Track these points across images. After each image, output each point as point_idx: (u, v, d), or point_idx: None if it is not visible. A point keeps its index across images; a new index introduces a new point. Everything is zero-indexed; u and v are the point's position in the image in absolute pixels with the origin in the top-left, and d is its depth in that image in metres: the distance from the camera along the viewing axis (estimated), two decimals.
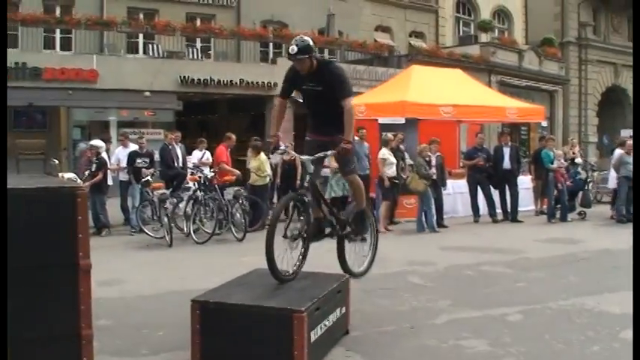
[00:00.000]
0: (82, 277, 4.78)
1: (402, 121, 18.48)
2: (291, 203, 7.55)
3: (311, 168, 7.39)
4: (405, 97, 19.31)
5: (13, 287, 4.58)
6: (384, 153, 16.52)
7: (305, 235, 7.41)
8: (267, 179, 16.71)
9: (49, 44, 27.97)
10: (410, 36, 39.20)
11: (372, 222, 8.86)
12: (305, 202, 7.35)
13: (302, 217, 7.40)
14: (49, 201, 4.75)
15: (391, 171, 16.46)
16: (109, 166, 16.86)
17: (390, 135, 16.97)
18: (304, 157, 7.44)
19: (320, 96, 7.34)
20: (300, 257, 7.34)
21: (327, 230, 7.96)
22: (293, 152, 8.23)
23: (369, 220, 8.74)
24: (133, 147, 17.56)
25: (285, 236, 7.19)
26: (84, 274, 4.79)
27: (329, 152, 7.35)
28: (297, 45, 7.22)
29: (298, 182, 8.37)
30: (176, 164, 17.79)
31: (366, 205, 8.47)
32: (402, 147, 17.46)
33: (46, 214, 4.69)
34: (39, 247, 4.66)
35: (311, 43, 7.29)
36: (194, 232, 14.69)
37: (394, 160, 16.59)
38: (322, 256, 7.98)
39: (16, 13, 27.09)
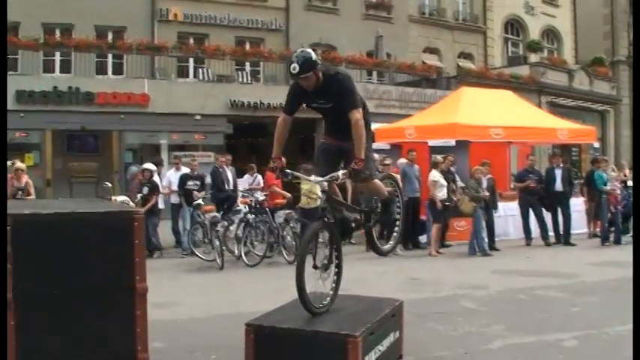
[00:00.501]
0: (138, 301, 4.81)
1: (453, 143, 18.35)
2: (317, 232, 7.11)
3: (325, 185, 6.99)
4: (455, 119, 19.21)
5: (72, 310, 4.63)
6: (435, 175, 16.42)
7: (335, 258, 7.16)
8: (318, 202, 16.62)
9: (101, 69, 28.41)
10: (458, 57, 39.06)
11: (397, 200, 8.39)
12: (329, 225, 7.06)
13: (330, 242, 7.14)
14: (108, 225, 4.80)
15: (442, 193, 16.35)
16: (160, 189, 16.99)
17: (439, 157, 16.86)
18: (316, 179, 7.05)
19: (331, 112, 6.94)
20: (334, 285, 7.09)
21: (354, 225, 7.77)
22: (302, 175, 7.68)
23: (395, 203, 8.29)
24: (184, 170, 17.70)
25: (315, 267, 6.87)
26: (140, 297, 4.82)
27: (340, 173, 6.82)
28: (298, 62, 6.50)
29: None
30: (227, 187, 17.87)
31: (388, 192, 7.98)
32: (452, 169, 17.36)
33: (104, 238, 4.73)
34: (97, 270, 4.71)
35: (313, 56, 6.62)
36: (245, 254, 14.71)
37: (445, 183, 16.47)
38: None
39: (70, 39, 27.56)
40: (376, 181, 7.52)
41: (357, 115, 6.65)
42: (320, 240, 7.16)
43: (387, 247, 8.34)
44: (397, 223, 8.39)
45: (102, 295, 4.72)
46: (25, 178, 15.75)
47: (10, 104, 24.62)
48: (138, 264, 4.77)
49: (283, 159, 7.13)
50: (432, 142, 18.79)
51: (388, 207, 8.03)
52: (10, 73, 26.53)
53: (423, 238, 17.60)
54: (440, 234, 16.74)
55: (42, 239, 4.66)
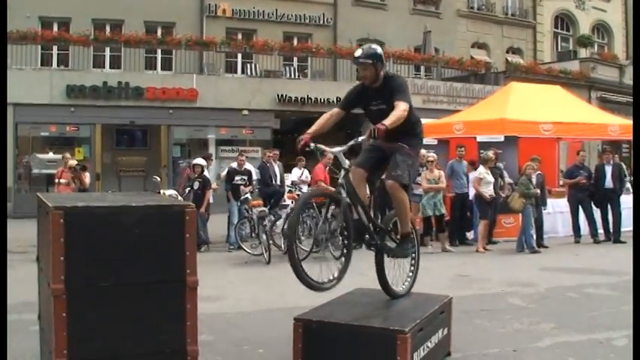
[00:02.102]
0: (188, 294, 4.85)
1: (501, 138, 18.20)
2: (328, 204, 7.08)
3: (345, 162, 6.96)
4: (504, 114, 19.05)
5: (123, 302, 4.68)
6: (481, 172, 16.31)
7: (345, 237, 6.96)
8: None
9: (150, 64, 28.75)
10: (507, 52, 38.81)
11: (415, 241, 7.85)
12: (340, 200, 6.75)
13: (337, 218, 6.88)
14: (160, 219, 4.84)
15: (488, 190, 16.23)
16: (212, 184, 17.12)
17: (490, 154, 16.71)
18: (335, 150, 7.06)
19: (385, 115, 6.67)
20: (344, 261, 6.99)
21: (366, 237, 7.31)
22: (322, 146, 7.24)
23: (412, 243, 7.70)
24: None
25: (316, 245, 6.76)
26: (191, 290, 4.85)
27: (360, 138, 6.80)
28: (362, 49, 6.83)
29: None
30: (274, 182, 17.91)
31: (411, 229, 7.56)
32: (500, 165, 17.23)
33: (156, 232, 4.78)
34: (149, 263, 4.76)
35: (379, 51, 6.83)
36: None
37: (491, 179, 16.34)
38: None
39: (120, 35, 27.90)
40: (402, 194, 7.16)
41: (404, 106, 6.59)
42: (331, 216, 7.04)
43: (397, 289, 7.52)
44: (412, 263, 7.84)
45: (153, 288, 4.77)
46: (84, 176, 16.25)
47: (61, 99, 25.04)
48: (189, 258, 4.81)
49: (312, 139, 7.08)
50: (480, 138, 18.62)
51: (405, 242, 7.47)
52: (60, 68, 27.01)
53: (469, 235, 17.52)
54: (487, 230, 16.62)
55: (94, 232, 4.72)
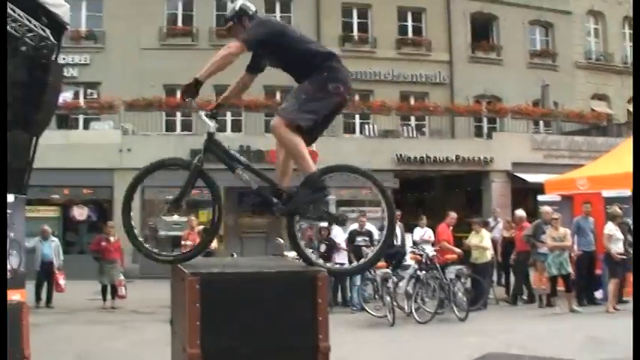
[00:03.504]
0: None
1: (628, 193, 17.76)
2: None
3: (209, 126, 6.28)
4: (629, 167, 18.60)
5: None
6: (611, 228, 15.94)
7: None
8: (490, 256, 16.54)
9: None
10: (629, 102, 37.89)
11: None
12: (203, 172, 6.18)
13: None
14: (293, 284, 4.95)
15: (618, 247, 15.83)
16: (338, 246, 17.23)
17: (618, 210, 16.34)
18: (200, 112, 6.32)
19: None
20: None
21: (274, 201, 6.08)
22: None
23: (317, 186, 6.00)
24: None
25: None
26: (323, 356, 4.91)
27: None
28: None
29: None
30: (396, 242, 17.94)
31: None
32: (628, 221, 16.80)
33: (288, 297, 4.89)
34: (281, 328, 4.85)
35: (238, 6, 6.15)
36: (415, 311, 14.66)
37: (621, 236, 15.96)
38: None
39: (241, 100, 28.55)
40: (290, 137, 5.89)
41: (224, 50, 5.95)
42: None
43: (317, 259, 6.29)
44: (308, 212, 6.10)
45: (286, 354, 4.86)
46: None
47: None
48: (321, 323, 4.89)
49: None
50: (606, 193, 18.22)
51: (313, 185, 5.95)
52: (184, 133, 27.85)
53: (597, 294, 17.06)
54: (617, 289, 16.15)
55: (229, 297, 4.87)
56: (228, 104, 6.58)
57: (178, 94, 26.83)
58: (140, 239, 6.28)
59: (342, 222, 6.58)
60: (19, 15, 12.56)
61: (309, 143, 6.02)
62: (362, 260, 5.93)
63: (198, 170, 6.18)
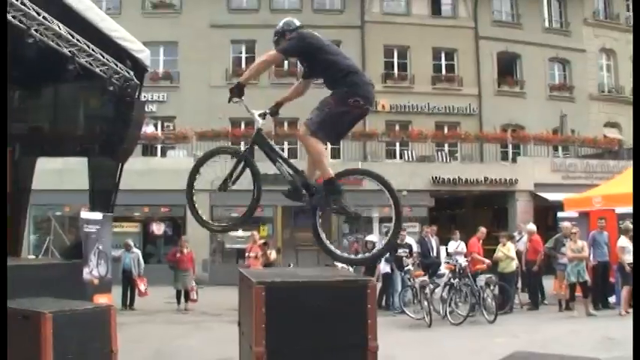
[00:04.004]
0: (370, 358, 4.93)
1: None
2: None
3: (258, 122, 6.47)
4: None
5: None
6: (623, 241, 15.73)
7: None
8: (515, 266, 16.42)
9: None
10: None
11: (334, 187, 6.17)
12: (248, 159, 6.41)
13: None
14: (346, 291, 4.99)
15: (629, 257, 15.60)
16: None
17: (629, 224, 16.15)
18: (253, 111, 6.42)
19: (309, 74, 6.44)
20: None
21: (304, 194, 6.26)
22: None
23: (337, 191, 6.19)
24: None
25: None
26: (371, 354, 4.94)
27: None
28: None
29: None
30: (432, 254, 17.93)
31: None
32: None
33: (342, 303, 4.92)
34: (336, 330, 4.88)
35: (278, 26, 6.34)
36: (449, 314, 14.60)
37: (632, 248, 15.74)
38: None
39: (296, 130, 28.71)
40: (313, 143, 6.00)
41: (264, 56, 6.29)
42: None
43: (334, 249, 6.47)
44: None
45: (340, 352, 4.88)
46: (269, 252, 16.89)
47: (248, 185, 25.81)
48: (370, 325, 4.92)
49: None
50: (618, 210, 17.99)
51: (330, 187, 6.11)
52: None
53: (611, 299, 16.84)
54: (630, 295, 15.90)
55: (290, 303, 4.91)
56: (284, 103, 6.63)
57: (242, 126, 27.16)
58: (199, 211, 6.55)
59: (356, 217, 6.58)
60: (107, 59, 12.79)
61: (334, 143, 6.23)
62: (371, 252, 5.92)
63: (245, 157, 6.41)
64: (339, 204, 6.17)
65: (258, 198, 6.49)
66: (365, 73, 6.32)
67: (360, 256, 6.02)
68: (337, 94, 6.00)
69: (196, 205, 6.55)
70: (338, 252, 6.39)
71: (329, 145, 7.03)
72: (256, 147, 6.48)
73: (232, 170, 6.50)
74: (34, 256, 23.25)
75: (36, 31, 10.62)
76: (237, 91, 6.24)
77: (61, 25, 11.24)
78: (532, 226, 18.33)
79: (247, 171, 6.46)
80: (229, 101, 6.28)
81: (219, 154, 6.71)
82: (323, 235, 6.34)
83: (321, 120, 5.98)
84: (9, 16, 10.05)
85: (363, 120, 23.09)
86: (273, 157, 6.43)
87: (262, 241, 18.16)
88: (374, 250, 6.07)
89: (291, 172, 6.32)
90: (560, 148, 32.92)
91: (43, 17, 10.73)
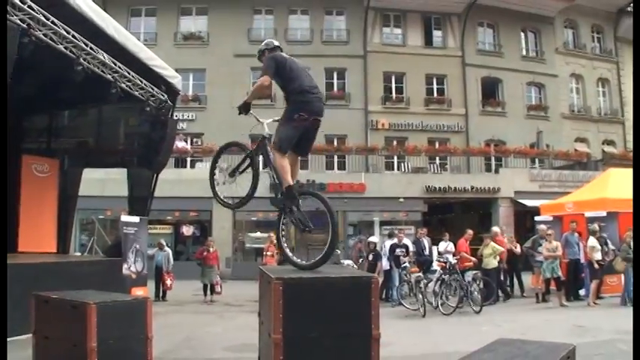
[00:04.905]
0: (373, 344, 4.91)
1: (604, 214, 17.45)
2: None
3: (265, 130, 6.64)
4: (605, 194, 18.36)
5: (326, 350, 4.78)
6: (593, 241, 15.68)
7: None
8: (497, 263, 16.34)
9: (330, 166, 29.47)
10: (603, 144, 37.09)
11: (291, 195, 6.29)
12: (252, 158, 6.65)
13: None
14: (353, 286, 4.97)
15: (598, 255, 15.55)
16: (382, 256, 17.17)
17: (596, 226, 16.13)
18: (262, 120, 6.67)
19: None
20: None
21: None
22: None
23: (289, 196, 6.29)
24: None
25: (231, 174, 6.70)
26: (375, 341, 4.91)
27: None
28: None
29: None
30: (425, 253, 17.87)
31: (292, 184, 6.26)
32: (604, 235, 16.49)
33: (350, 296, 4.90)
34: (345, 320, 4.86)
35: (259, 48, 7.04)
36: (441, 305, 14.49)
37: (599, 247, 15.70)
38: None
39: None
40: (277, 158, 6.19)
41: (259, 81, 6.48)
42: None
43: (291, 255, 6.55)
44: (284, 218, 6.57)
45: (348, 339, 4.86)
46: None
47: (266, 192, 25.87)
48: (374, 316, 4.89)
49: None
50: (587, 214, 17.93)
51: (288, 194, 6.24)
52: (265, 170, 28.04)
53: (581, 292, 16.77)
54: (597, 288, 15.83)
55: (305, 296, 4.89)
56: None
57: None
58: (216, 189, 6.97)
59: (306, 228, 6.47)
60: (144, 84, 12.85)
61: (303, 156, 6.68)
62: (317, 258, 6.09)
63: (250, 156, 6.67)
64: (296, 215, 6.35)
65: (251, 194, 6.67)
66: (318, 91, 6.43)
67: (312, 261, 6.01)
68: (286, 111, 6.26)
69: (216, 186, 6.97)
70: (294, 258, 6.49)
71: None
72: (258, 150, 6.71)
73: (240, 163, 6.77)
74: (79, 254, 23.32)
75: (84, 59, 10.69)
76: (244, 109, 6.55)
77: (105, 54, 11.31)
78: (496, 229, 18.21)
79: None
80: (239, 114, 6.54)
81: (231, 146, 7.07)
82: (283, 240, 6.66)
83: (278, 136, 6.23)
84: (61, 47, 10.11)
85: (365, 136, 23.06)
86: (267, 163, 6.53)
87: (274, 239, 18.08)
88: (317, 258, 5.95)
89: (276, 179, 6.41)
90: (537, 160, 32.82)
91: (90, 48, 10.80)
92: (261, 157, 6.64)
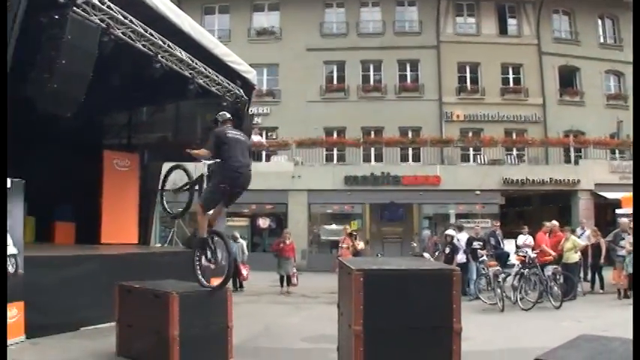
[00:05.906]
0: (454, 337, 4.83)
1: None
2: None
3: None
4: None
5: (407, 342, 4.74)
6: None
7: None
8: (577, 258, 15.87)
9: (405, 158, 29.37)
10: None
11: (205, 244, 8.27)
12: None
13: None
14: (435, 279, 4.91)
15: None
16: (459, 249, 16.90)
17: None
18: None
19: None
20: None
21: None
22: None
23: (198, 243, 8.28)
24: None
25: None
26: (456, 335, 4.83)
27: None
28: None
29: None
30: (501, 246, 17.60)
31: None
32: None
33: (431, 289, 4.84)
34: (426, 313, 4.81)
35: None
36: (520, 300, 14.18)
37: None
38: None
39: (382, 138, 28.95)
40: (200, 211, 7.91)
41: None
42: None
43: (200, 277, 8.03)
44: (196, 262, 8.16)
45: (429, 332, 4.80)
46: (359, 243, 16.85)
47: (340, 186, 26.38)
48: (455, 309, 4.82)
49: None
50: None
51: (196, 240, 8.30)
52: (340, 163, 28.36)
53: None
54: None
55: (385, 288, 4.86)
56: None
57: (335, 135, 27.35)
58: (164, 200, 10.17)
59: (212, 261, 8.40)
60: (221, 80, 13.01)
61: (227, 207, 8.65)
62: (222, 279, 7.93)
63: (190, 184, 9.16)
64: (205, 252, 8.20)
65: (185, 211, 9.70)
66: (246, 169, 7.91)
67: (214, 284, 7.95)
68: (215, 177, 7.96)
69: (164, 199, 10.04)
70: (202, 280, 8.03)
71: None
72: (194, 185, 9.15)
73: (182, 186, 9.22)
74: (159, 245, 23.90)
75: (162, 57, 10.89)
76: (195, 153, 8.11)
77: (182, 51, 11.50)
78: (554, 222, 17.53)
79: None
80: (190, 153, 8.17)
81: (178, 168, 9.69)
82: (197, 268, 8.07)
83: (204, 196, 8.08)
84: (139, 45, 10.34)
85: (440, 127, 22.86)
86: (199, 193, 8.63)
87: (349, 231, 18.01)
88: (225, 274, 8.11)
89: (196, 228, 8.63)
90: (617, 151, 31.75)
91: (168, 45, 11.00)
92: (197, 187, 8.83)
